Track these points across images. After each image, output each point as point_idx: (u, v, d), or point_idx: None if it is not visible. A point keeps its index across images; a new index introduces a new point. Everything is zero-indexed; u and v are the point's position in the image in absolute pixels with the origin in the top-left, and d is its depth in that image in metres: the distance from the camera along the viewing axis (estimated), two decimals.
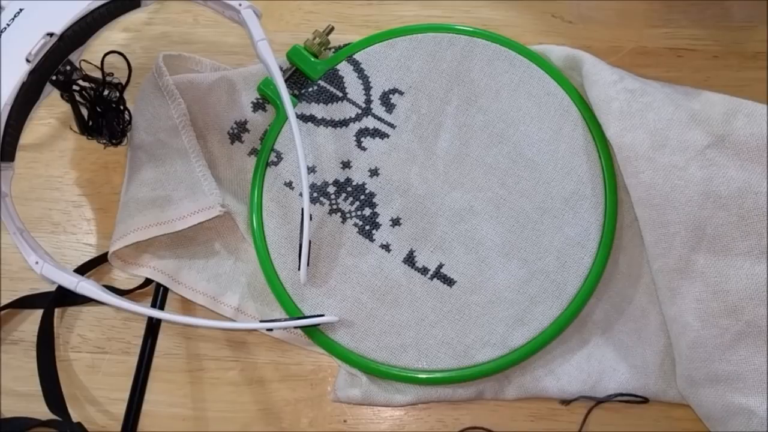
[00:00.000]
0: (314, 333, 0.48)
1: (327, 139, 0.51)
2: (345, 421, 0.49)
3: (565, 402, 0.48)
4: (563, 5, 0.56)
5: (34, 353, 0.49)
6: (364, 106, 0.52)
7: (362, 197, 0.50)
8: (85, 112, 0.51)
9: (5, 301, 0.52)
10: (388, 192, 0.50)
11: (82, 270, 0.51)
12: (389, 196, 0.50)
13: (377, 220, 0.50)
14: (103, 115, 0.51)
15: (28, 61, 0.45)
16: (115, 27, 0.53)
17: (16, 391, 0.50)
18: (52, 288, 0.51)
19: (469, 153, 0.51)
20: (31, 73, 0.46)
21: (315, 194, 0.50)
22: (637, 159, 0.45)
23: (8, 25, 0.46)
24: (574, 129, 0.50)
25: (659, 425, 0.48)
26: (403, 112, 0.51)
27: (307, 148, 0.51)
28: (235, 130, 0.53)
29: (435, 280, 0.49)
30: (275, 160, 0.51)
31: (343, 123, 0.51)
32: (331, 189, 0.50)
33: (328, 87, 0.52)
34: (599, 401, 0.48)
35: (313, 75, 0.52)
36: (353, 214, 0.50)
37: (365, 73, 0.52)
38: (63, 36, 0.46)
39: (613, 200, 0.49)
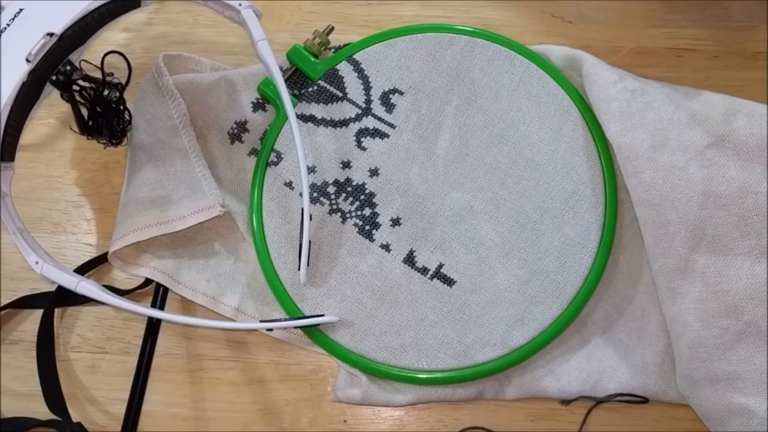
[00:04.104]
0: (314, 333, 0.48)
1: (327, 139, 0.51)
2: (345, 421, 0.49)
3: (565, 402, 0.48)
4: (563, 5, 0.56)
5: (34, 353, 0.49)
6: (364, 106, 0.52)
7: (362, 197, 0.50)
8: (85, 112, 0.51)
9: (5, 301, 0.52)
10: (388, 192, 0.50)
11: (82, 270, 0.51)
12: (389, 196, 0.50)
13: (377, 220, 0.50)
14: (103, 115, 0.51)
15: (28, 61, 0.45)
16: (115, 27, 0.53)
17: (16, 391, 0.50)
18: (52, 288, 0.51)
19: (469, 153, 0.51)
20: (31, 73, 0.46)
21: (315, 194, 0.50)
22: (637, 159, 0.45)
23: (8, 25, 0.46)
24: (574, 129, 0.50)
25: (659, 425, 0.48)
26: (403, 112, 0.51)
27: (307, 148, 0.51)
28: (235, 130, 0.53)
29: (435, 280, 0.49)
30: (275, 160, 0.51)
31: (343, 123, 0.51)
32: (331, 189, 0.50)
33: (328, 87, 0.52)
34: (599, 401, 0.48)
35: (313, 75, 0.52)
36: (353, 214, 0.50)
37: (365, 73, 0.52)
38: (63, 36, 0.46)
39: (613, 200, 0.49)
